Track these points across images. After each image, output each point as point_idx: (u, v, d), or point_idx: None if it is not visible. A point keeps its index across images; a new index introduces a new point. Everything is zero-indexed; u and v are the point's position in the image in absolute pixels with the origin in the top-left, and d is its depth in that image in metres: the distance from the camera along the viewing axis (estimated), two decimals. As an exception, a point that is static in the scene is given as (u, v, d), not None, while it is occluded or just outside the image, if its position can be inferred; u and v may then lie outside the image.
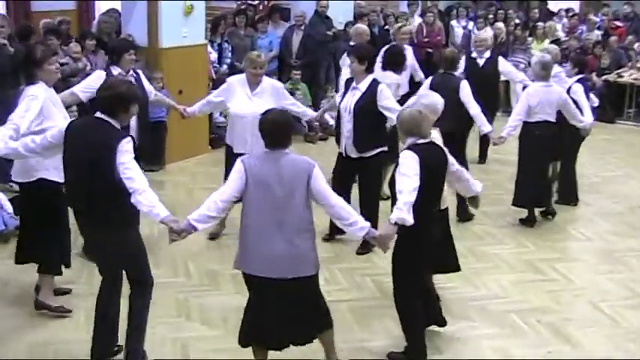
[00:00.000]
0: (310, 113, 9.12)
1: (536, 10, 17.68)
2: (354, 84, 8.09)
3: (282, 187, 5.26)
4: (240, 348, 5.56)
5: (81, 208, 5.59)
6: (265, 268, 5.32)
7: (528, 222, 9.32)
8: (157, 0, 10.98)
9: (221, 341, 6.33)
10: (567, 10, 18.17)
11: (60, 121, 6.23)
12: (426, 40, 15.22)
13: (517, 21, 16.72)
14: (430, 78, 9.50)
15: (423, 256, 5.99)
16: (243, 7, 15.49)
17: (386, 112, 7.87)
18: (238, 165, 5.35)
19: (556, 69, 9.82)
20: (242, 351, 5.58)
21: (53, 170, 6.30)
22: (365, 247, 8.11)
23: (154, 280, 5.81)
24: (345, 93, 8.22)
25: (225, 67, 12.51)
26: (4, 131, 6.02)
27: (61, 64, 10.09)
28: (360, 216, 5.52)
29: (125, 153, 5.31)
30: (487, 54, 11.02)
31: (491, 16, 16.75)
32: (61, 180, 6.12)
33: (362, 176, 8.26)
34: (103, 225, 5.48)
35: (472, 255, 8.26)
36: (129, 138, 5.43)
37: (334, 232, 8.38)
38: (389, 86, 8.34)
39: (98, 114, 5.51)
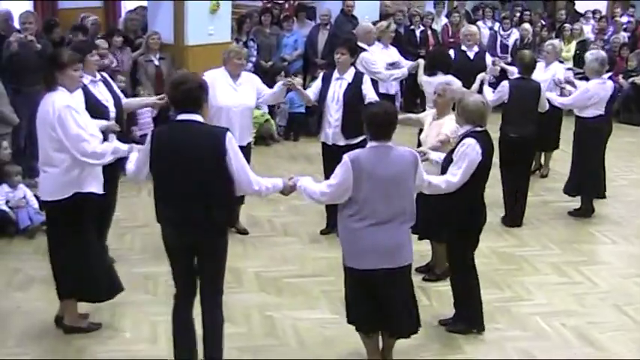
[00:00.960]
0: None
1: (563, 12, 17.56)
2: (337, 74, 8.43)
3: (394, 181, 5.45)
4: (261, 347, 5.58)
5: (198, 216, 5.30)
6: (385, 260, 5.52)
7: (586, 211, 9.59)
8: (184, -1, 11.05)
9: (244, 339, 6.36)
10: (594, 12, 18.03)
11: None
12: (451, 40, 15.15)
13: (543, 22, 16.63)
14: (507, 82, 9.33)
15: (476, 235, 6.53)
16: (269, 5, 15.51)
17: (365, 98, 8.19)
18: (346, 162, 5.44)
19: (557, 65, 10.45)
20: (263, 351, 5.59)
21: (92, 181, 6.19)
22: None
23: (168, 275, 5.81)
24: (325, 86, 8.48)
25: (250, 65, 12.50)
26: (106, 145, 6.15)
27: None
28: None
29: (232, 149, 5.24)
30: (476, 48, 11.16)
31: (517, 17, 16.65)
32: (99, 191, 6.18)
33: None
34: (219, 231, 5.42)
35: (496, 257, 8.23)
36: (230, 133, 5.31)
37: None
38: None
39: (183, 116, 5.29)
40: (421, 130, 7.86)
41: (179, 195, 5.27)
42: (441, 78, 8.99)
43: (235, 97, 8.24)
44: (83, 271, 6.25)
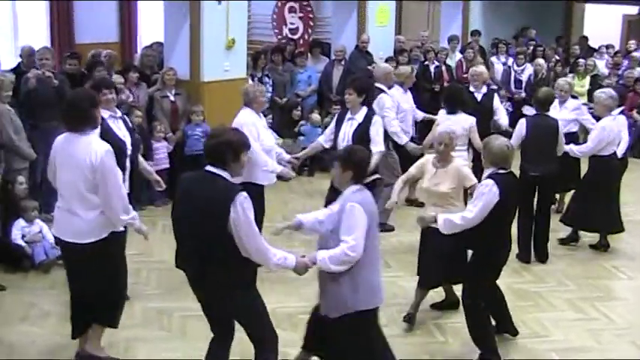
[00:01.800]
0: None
1: (577, 47, 17.60)
2: (349, 115, 8.50)
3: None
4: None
5: (197, 269, 5.28)
6: (380, 298, 5.75)
7: (602, 247, 9.64)
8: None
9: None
10: (607, 47, 18.07)
11: None
12: (465, 75, 15.19)
13: (557, 57, 16.66)
14: (524, 120, 9.26)
15: (496, 272, 6.73)
16: (284, 41, 15.61)
17: (372, 139, 8.39)
18: (358, 209, 5.42)
19: (575, 102, 10.46)
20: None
21: None
22: None
23: (195, 312, 5.80)
24: (338, 126, 8.60)
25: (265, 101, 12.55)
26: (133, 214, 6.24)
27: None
28: None
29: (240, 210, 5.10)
30: (484, 89, 10.92)
31: (530, 52, 16.69)
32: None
33: None
34: (225, 286, 5.27)
35: (512, 293, 8.18)
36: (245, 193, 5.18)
37: None
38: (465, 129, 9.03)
39: (210, 167, 5.25)
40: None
41: (185, 245, 5.35)
42: (466, 118, 9.09)
43: (271, 136, 8.46)
44: (114, 294, 6.33)
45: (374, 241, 5.55)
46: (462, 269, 6.89)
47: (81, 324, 6.35)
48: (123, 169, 6.67)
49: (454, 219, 6.39)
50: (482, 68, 11.49)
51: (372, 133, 8.45)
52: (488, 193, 6.31)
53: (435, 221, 6.59)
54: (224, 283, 5.23)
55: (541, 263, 9.15)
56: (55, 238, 6.52)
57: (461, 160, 7.15)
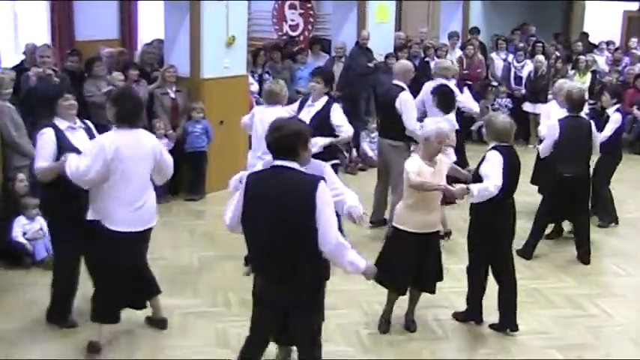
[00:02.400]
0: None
1: (579, 43, 17.59)
2: (309, 102, 8.76)
3: None
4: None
5: (284, 269, 5.12)
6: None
7: (554, 234, 9.82)
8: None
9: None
10: (608, 43, 18.07)
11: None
12: (465, 72, 15.22)
13: (557, 54, 16.67)
14: (557, 122, 9.15)
15: (496, 239, 7.09)
16: (284, 37, 15.63)
17: (338, 128, 8.66)
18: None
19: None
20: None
21: None
22: None
23: (195, 309, 5.83)
24: (298, 112, 8.72)
25: (265, 97, 12.55)
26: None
27: (105, 93, 10.29)
28: None
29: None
30: (452, 82, 10.91)
31: (530, 48, 16.69)
32: None
33: None
34: (307, 288, 5.20)
35: (511, 289, 8.22)
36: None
37: None
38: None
39: (278, 162, 5.15)
40: None
41: (268, 246, 5.13)
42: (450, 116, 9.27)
43: None
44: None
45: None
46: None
47: (144, 298, 6.97)
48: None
49: (488, 186, 6.76)
50: (447, 63, 11.47)
51: (336, 121, 8.68)
52: (497, 160, 6.85)
53: (467, 193, 6.80)
54: (313, 279, 5.19)
55: (584, 264, 9.16)
56: (130, 233, 6.47)
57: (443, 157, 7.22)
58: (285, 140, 5.07)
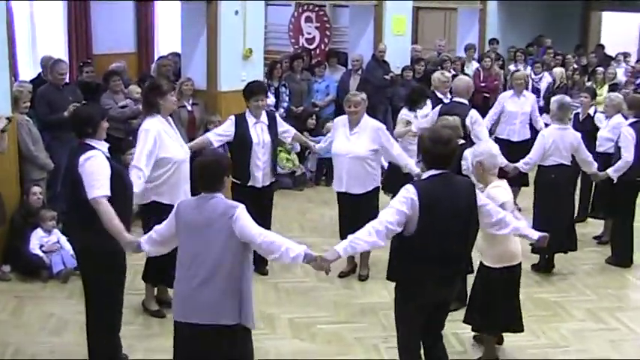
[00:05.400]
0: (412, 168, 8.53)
1: (594, 55, 17.52)
2: (256, 120, 8.62)
3: None
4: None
5: (457, 267, 5.63)
6: None
7: (542, 268, 9.06)
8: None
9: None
10: (625, 55, 17.99)
11: (175, 150, 6.96)
12: (483, 84, 15.16)
13: (575, 66, 16.59)
14: (630, 128, 9.11)
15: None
16: (300, 51, 15.63)
17: (284, 134, 8.98)
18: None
19: (618, 118, 9.88)
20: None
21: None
22: None
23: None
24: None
25: (282, 110, 12.52)
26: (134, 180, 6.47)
27: (122, 107, 10.32)
28: None
29: None
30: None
31: (550, 60, 16.60)
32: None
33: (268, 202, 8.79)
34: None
35: (531, 303, 8.12)
36: None
37: None
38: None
39: (434, 171, 5.41)
40: None
41: (450, 248, 5.39)
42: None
43: (345, 145, 8.51)
44: None
45: None
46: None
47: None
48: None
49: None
50: (448, 75, 11.19)
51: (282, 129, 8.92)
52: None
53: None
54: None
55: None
56: None
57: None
58: (447, 150, 5.45)
